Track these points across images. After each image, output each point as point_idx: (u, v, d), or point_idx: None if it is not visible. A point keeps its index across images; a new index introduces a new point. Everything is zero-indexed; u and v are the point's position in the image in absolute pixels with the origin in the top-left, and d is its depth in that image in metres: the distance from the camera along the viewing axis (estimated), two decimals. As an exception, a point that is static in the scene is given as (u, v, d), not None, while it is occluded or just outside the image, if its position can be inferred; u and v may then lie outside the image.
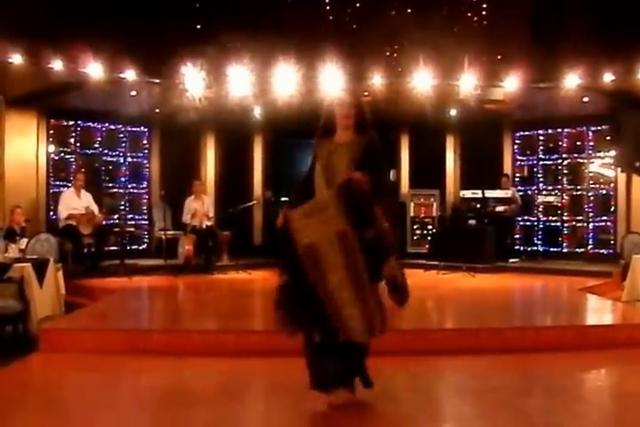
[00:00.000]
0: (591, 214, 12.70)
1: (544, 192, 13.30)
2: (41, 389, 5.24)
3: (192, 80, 10.52)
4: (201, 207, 12.12)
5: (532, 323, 7.26)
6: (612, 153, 12.15)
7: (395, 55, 10.95)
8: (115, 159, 12.97)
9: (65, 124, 12.26)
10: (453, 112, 12.43)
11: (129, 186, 13.20)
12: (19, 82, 10.32)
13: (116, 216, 12.80)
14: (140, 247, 13.26)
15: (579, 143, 12.91)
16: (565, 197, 13.04)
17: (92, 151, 12.62)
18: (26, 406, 4.71)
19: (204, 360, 5.79)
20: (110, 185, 12.87)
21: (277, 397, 4.85)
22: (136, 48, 10.15)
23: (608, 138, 12.29)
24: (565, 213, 13.01)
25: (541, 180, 13.33)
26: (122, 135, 13.06)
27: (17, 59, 9.74)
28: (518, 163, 13.58)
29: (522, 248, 13.28)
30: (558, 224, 13.07)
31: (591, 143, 12.73)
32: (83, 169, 12.05)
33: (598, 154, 12.66)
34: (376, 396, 4.45)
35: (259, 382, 5.49)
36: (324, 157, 4.40)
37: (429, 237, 13.17)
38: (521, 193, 13.18)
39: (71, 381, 5.51)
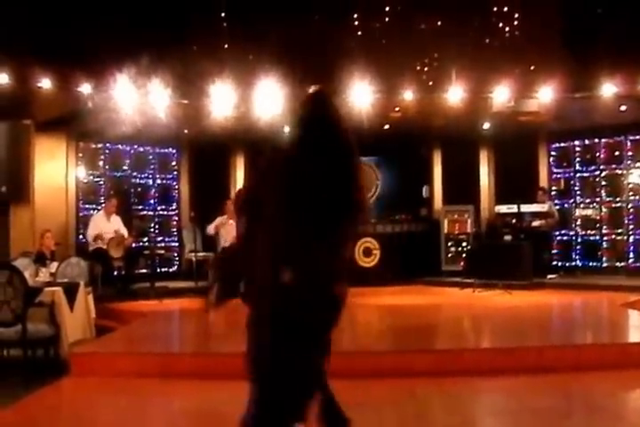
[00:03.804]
0: (631, 227, 12.34)
1: (582, 205, 12.99)
2: (72, 413, 5.21)
3: (220, 100, 10.49)
4: (231, 228, 12.03)
5: (571, 341, 7.03)
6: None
7: (426, 69, 10.83)
8: (144, 181, 13.00)
9: (94, 146, 12.32)
10: (486, 125, 12.26)
11: (158, 208, 13.20)
12: (47, 106, 10.38)
13: (145, 239, 12.75)
14: (171, 270, 13.21)
15: (617, 153, 12.57)
16: (604, 210, 12.69)
17: (120, 174, 12.67)
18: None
19: (236, 383, 5.56)
20: (140, 207, 12.87)
21: (309, 419, 4.68)
22: (164, 69, 10.15)
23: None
24: (604, 227, 12.67)
25: (579, 192, 13.01)
26: (151, 157, 13.11)
27: (45, 83, 9.79)
28: (554, 175, 13.29)
29: (560, 264, 12.94)
30: (597, 238, 12.74)
31: (630, 153, 12.38)
32: (113, 193, 12.04)
33: (637, 164, 12.33)
34: (410, 418, 4.27)
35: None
36: None
37: (464, 255, 12.94)
38: (558, 207, 12.88)
39: (102, 405, 5.44)
